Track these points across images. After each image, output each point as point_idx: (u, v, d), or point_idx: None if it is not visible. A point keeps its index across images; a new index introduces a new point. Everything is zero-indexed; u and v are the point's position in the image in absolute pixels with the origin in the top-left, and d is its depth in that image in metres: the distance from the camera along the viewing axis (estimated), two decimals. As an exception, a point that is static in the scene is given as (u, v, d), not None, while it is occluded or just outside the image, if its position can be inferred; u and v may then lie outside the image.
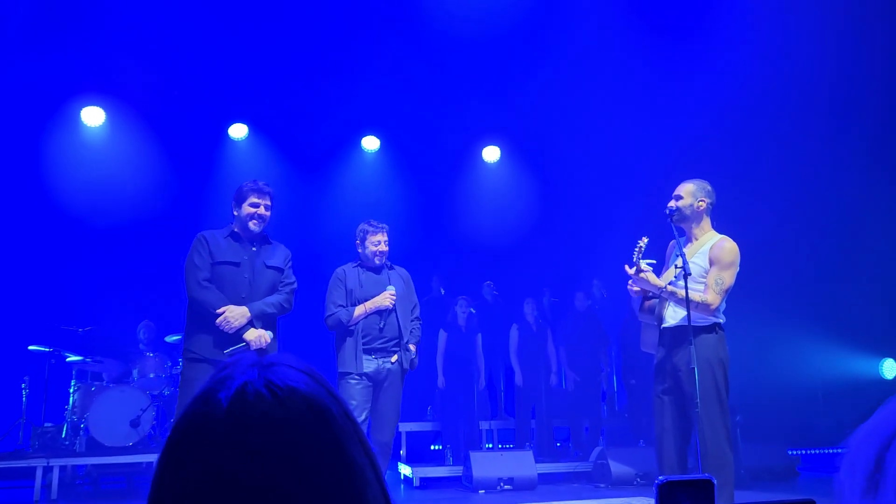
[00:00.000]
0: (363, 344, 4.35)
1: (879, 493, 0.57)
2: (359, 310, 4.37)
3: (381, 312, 4.41)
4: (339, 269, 4.59)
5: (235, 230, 3.95)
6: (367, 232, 4.54)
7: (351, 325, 4.37)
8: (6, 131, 7.48)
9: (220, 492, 0.62)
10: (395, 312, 4.44)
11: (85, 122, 7.94)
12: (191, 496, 0.63)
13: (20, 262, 7.54)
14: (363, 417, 4.29)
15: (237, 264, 3.86)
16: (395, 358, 4.39)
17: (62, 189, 7.60)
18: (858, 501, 0.59)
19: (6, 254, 7.50)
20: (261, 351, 3.76)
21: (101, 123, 7.98)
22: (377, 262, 4.53)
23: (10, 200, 7.58)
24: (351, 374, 4.30)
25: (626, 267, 3.86)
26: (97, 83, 7.71)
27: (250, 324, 3.76)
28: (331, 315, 4.43)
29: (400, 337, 4.43)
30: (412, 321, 4.57)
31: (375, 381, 4.37)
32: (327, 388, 0.71)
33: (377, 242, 4.52)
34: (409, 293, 4.63)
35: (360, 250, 4.58)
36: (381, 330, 4.39)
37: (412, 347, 4.49)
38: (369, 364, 4.34)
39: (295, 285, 4.08)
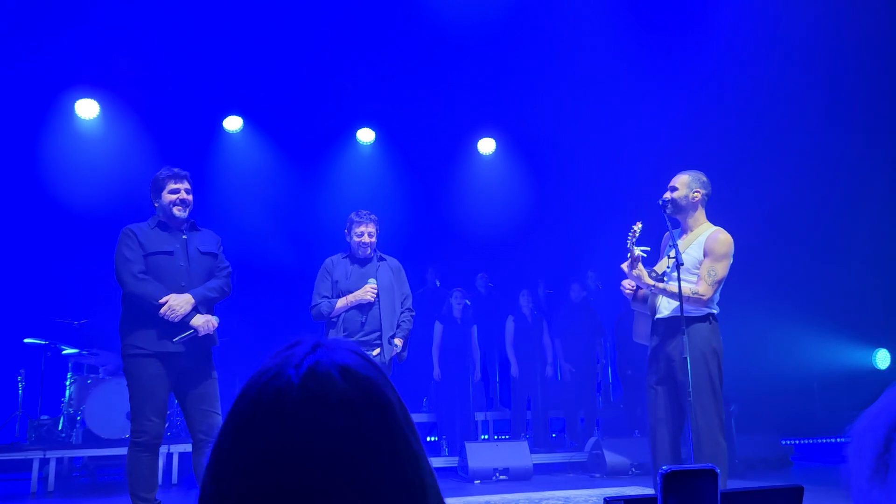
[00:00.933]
0: (343, 337, 4.32)
1: (890, 474, 0.57)
2: (340, 302, 4.38)
3: (362, 306, 4.39)
4: (327, 260, 4.58)
5: (161, 220, 3.85)
6: (353, 223, 4.52)
7: (332, 317, 4.37)
8: (1, 123, 7.45)
9: (290, 466, 0.63)
10: (378, 306, 4.41)
11: (79, 115, 7.91)
12: (259, 469, 0.64)
13: (15, 255, 7.53)
14: None
15: (171, 253, 3.76)
16: (376, 351, 4.35)
17: (57, 181, 7.58)
18: (867, 484, 0.59)
19: (1, 247, 7.49)
20: (207, 337, 3.72)
21: (95, 116, 7.96)
22: (361, 253, 4.50)
23: (5, 193, 7.56)
24: None
25: (623, 266, 3.88)
26: (91, 76, 7.68)
27: (195, 310, 3.68)
28: (314, 306, 4.45)
29: (382, 330, 4.40)
30: (403, 313, 4.53)
31: None
32: (382, 375, 0.73)
33: (361, 234, 4.49)
34: (400, 284, 4.59)
35: (348, 240, 4.57)
36: (362, 324, 4.38)
37: (398, 342, 4.44)
38: None
39: (230, 269, 3.98)
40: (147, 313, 3.61)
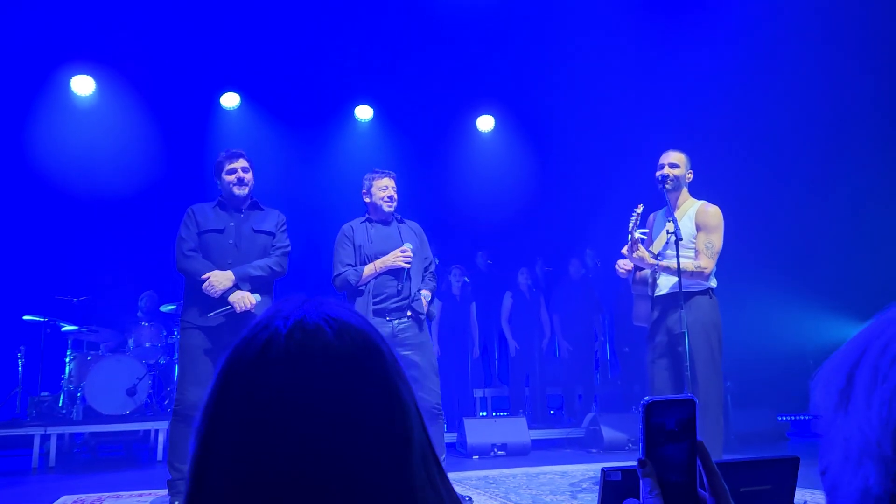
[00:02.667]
0: (374, 304, 4.04)
1: (850, 405, 0.61)
2: (368, 269, 4.06)
3: (393, 272, 4.07)
4: (345, 226, 4.24)
5: (223, 199, 4.01)
6: (374, 178, 4.22)
7: (360, 286, 4.06)
8: (-5, 100, 7.41)
9: (277, 415, 0.63)
10: (408, 271, 4.08)
11: (75, 91, 7.86)
12: (248, 419, 0.64)
13: (14, 232, 7.52)
14: None
15: (221, 231, 3.89)
16: (409, 313, 4.08)
17: (55, 158, 7.55)
18: (832, 415, 0.64)
19: (0, 223, 7.48)
20: (246, 313, 3.77)
21: (91, 93, 7.91)
22: (387, 209, 4.17)
23: (2, 169, 7.53)
24: None
25: (623, 251, 3.91)
26: (87, 51, 7.62)
27: (235, 287, 3.79)
28: (338, 275, 4.10)
29: (411, 294, 4.10)
30: (426, 274, 4.24)
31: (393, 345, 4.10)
32: (373, 328, 0.73)
33: (385, 187, 4.17)
34: (423, 248, 4.29)
35: (367, 200, 4.23)
36: (396, 290, 4.06)
37: (425, 293, 4.13)
38: (383, 327, 3.99)
39: (288, 248, 4.05)
40: (195, 289, 3.79)
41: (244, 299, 3.78)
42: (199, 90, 8.19)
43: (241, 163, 3.97)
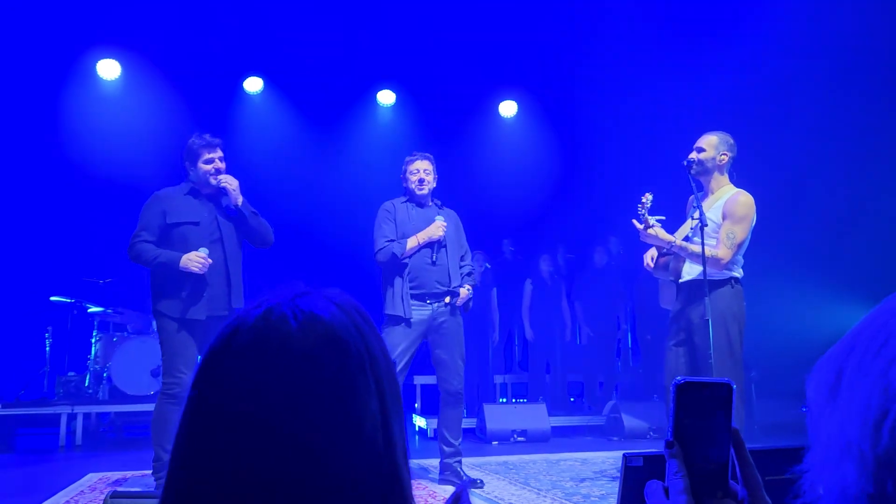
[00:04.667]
0: (411, 289, 4.11)
1: (838, 400, 0.59)
2: (411, 241, 4.11)
3: (431, 246, 4.14)
4: (386, 203, 4.32)
5: (195, 186, 3.89)
6: (408, 161, 4.33)
7: (405, 259, 4.10)
8: (24, 84, 7.49)
9: (233, 406, 0.65)
10: (446, 250, 4.18)
11: (101, 76, 7.93)
12: (210, 410, 0.66)
13: (42, 215, 7.63)
14: (405, 362, 4.07)
15: (197, 223, 3.81)
16: (447, 299, 4.14)
17: (81, 142, 7.64)
18: (821, 410, 0.61)
19: (28, 207, 7.59)
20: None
21: (117, 76, 7.97)
22: (418, 192, 4.25)
23: (31, 153, 7.63)
24: (399, 317, 4.07)
25: (634, 221, 3.83)
26: (113, 35, 7.68)
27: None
28: (382, 248, 4.14)
29: (450, 281, 4.17)
30: (463, 265, 4.32)
31: (428, 328, 4.14)
32: (354, 321, 0.72)
33: (416, 171, 4.27)
34: (459, 237, 4.37)
35: (405, 184, 4.34)
36: (431, 269, 4.13)
37: (463, 291, 4.19)
38: (421, 311, 4.10)
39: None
40: (170, 279, 3.72)
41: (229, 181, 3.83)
42: (223, 75, 8.22)
43: (219, 152, 3.88)
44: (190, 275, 3.69)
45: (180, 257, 3.68)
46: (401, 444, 0.71)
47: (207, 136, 3.89)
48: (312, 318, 0.69)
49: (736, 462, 0.71)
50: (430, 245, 4.16)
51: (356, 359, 0.69)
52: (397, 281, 4.11)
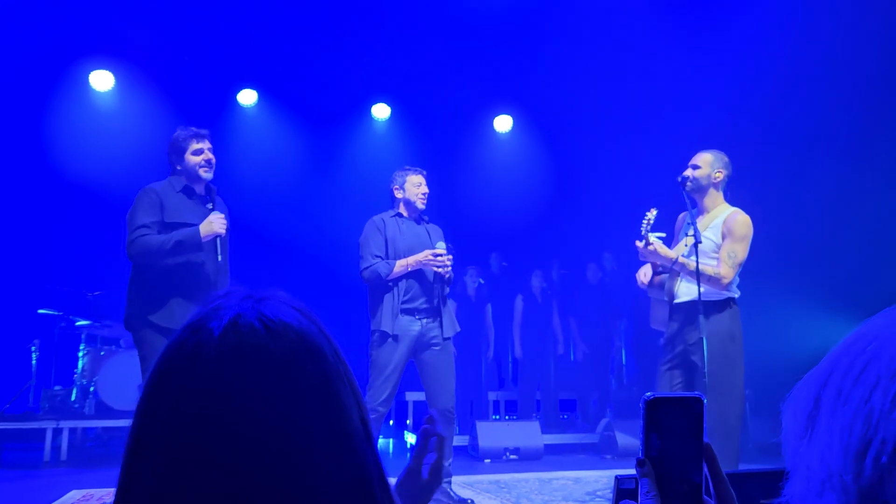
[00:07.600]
0: (402, 303, 3.98)
1: (816, 429, 0.57)
2: (400, 264, 3.97)
3: (421, 271, 4.02)
4: (375, 218, 4.17)
5: (186, 183, 3.61)
6: (407, 174, 4.21)
7: (389, 280, 3.96)
8: (14, 96, 7.44)
9: (208, 419, 0.62)
10: (438, 275, 4.03)
11: (94, 87, 7.88)
12: (178, 423, 0.62)
13: (31, 227, 7.55)
14: (396, 378, 3.94)
15: (193, 226, 3.52)
16: (440, 318, 4.06)
17: (72, 153, 7.57)
18: (798, 441, 0.59)
19: (17, 218, 7.51)
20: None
21: (110, 88, 7.93)
22: (420, 205, 4.17)
23: (20, 166, 7.57)
24: (385, 333, 3.93)
25: (637, 242, 3.79)
26: (106, 47, 7.64)
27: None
28: (368, 266, 3.99)
29: (443, 305, 4.08)
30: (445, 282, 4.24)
31: (418, 345, 4.02)
32: (319, 326, 0.70)
33: (419, 184, 4.19)
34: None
35: (398, 196, 4.21)
36: (424, 290, 4.02)
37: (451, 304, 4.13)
38: (411, 325, 3.97)
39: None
40: (159, 283, 3.57)
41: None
42: (216, 87, 8.19)
43: (208, 143, 3.63)
44: (180, 282, 3.48)
45: (195, 230, 3.44)
46: (377, 455, 0.69)
47: (194, 128, 3.67)
48: (283, 325, 0.66)
49: (709, 477, 0.70)
50: (428, 274, 4.05)
51: (333, 366, 0.67)
52: (387, 297, 3.99)
